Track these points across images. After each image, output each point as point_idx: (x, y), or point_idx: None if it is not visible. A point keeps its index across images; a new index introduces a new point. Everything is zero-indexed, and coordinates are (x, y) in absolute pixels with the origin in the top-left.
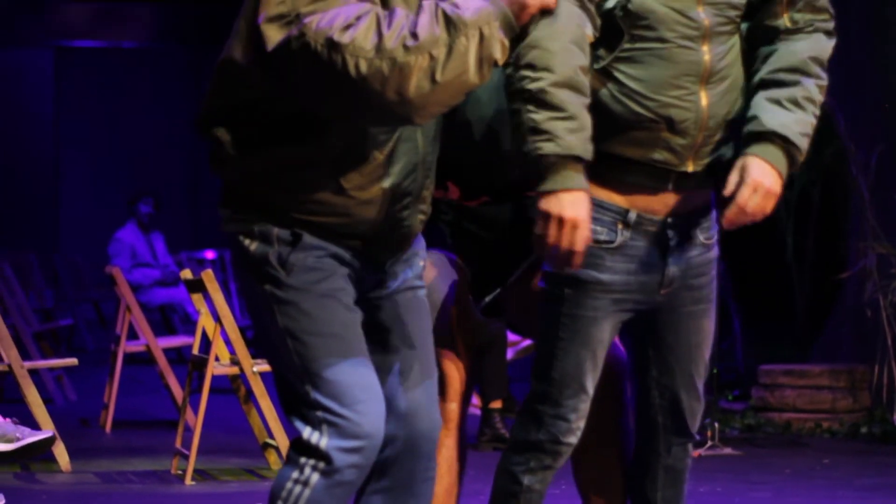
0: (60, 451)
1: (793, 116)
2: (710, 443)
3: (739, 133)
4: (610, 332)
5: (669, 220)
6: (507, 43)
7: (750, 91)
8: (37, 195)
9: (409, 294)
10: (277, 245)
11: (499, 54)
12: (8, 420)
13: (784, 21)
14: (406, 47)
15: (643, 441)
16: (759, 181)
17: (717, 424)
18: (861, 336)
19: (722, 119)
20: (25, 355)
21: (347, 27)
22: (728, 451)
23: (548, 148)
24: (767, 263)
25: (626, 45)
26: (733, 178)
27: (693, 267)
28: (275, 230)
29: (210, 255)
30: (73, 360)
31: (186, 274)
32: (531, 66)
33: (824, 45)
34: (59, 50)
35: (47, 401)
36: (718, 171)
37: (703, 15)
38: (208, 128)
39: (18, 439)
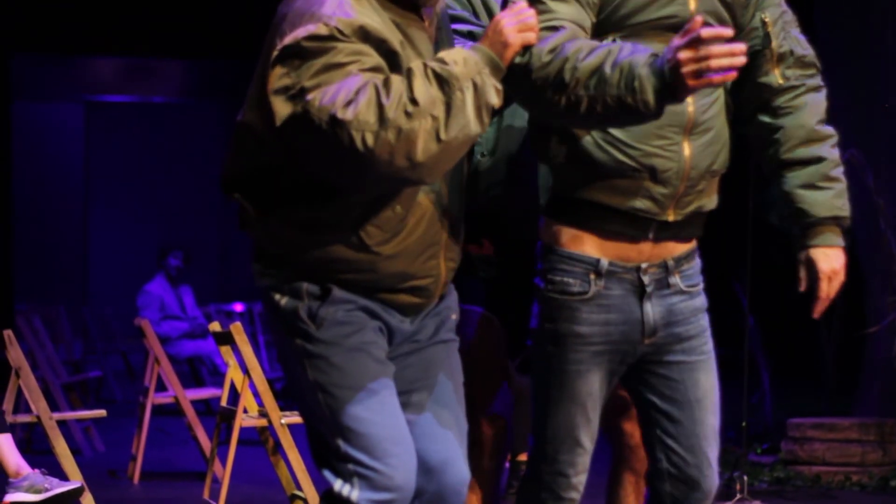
0: (88, 503)
1: (831, 192)
2: (738, 496)
3: (718, 186)
4: (599, 385)
5: (644, 265)
6: (500, 87)
7: (772, 172)
8: (66, 248)
9: (441, 347)
10: (307, 299)
11: (495, 99)
12: (37, 471)
13: (776, 77)
14: (408, 114)
15: None
16: (831, 269)
17: (745, 477)
18: (890, 389)
19: (704, 170)
20: (54, 406)
21: (349, 103)
22: (757, 503)
23: (638, 69)
24: (796, 317)
25: None
26: (803, 275)
27: (676, 314)
28: (304, 285)
29: (238, 307)
30: (101, 412)
31: (215, 326)
32: (560, 71)
33: (821, 103)
34: (89, 104)
35: (75, 452)
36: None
37: None
38: (230, 190)
39: (47, 490)
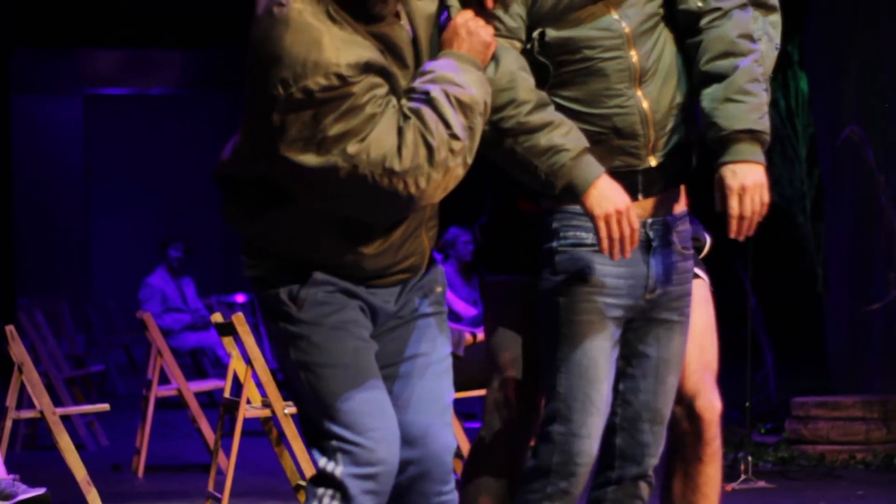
0: (93, 497)
1: (746, 106)
2: (743, 476)
3: (692, 114)
4: (610, 340)
5: (650, 221)
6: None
7: (694, 87)
8: (68, 242)
9: (425, 320)
10: (289, 283)
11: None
12: (10, 476)
13: (695, 2)
14: (452, 151)
15: (598, 467)
16: (740, 185)
17: (750, 458)
18: (893, 366)
19: (668, 108)
20: (57, 401)
21: (399, 149)
22: (762, 484)
23: (563, 157)
24: (798, 296)
25: (555, 73)
26: (718, 195)
27: (672, 273)
28: (287, 274)
29: (241, 298)
30: (104, 406)
31: (217, 318)
32: (503, 107)
33: (745, 20)
34: (89, 97)
35: (79, 447)
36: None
37: (623, 23)
38: (220, 184)
39: (12, 497)
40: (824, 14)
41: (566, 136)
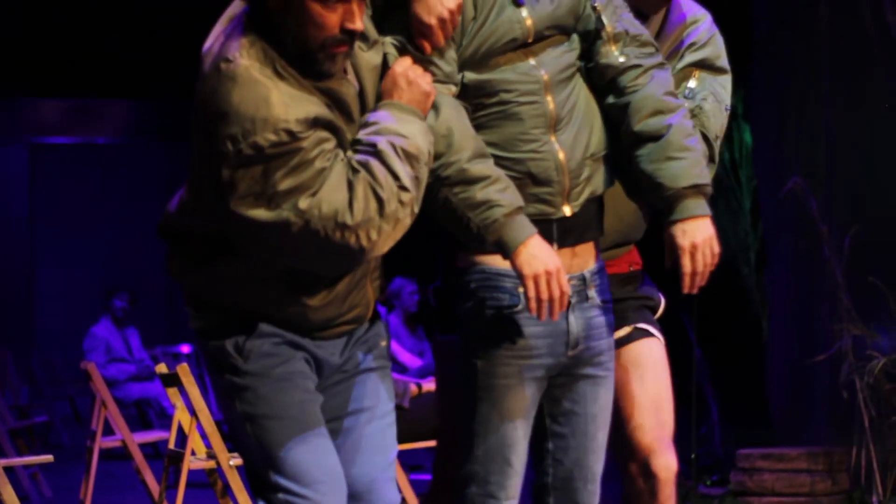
0: None
1: (687, 162)
2: None
3: (607, 166)
4: (529, 402)
5: (566, 277)
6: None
7: (628, 151)
8: (12, 292)
9: (370, 374)
10: (234, 336)
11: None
12: None
13: (615, 56)
14: (402, 202)
15: None
16: (691, 243)
17: None
18: (838, 418)
19: (581, 158)
20: (1, 453)
21: (350, 203)
22: None
23: (496, 213)
24: (743, 347)
25: (472, 116)
26: (668, 254)
27: (593, 328)
28: (232, 326)
29: (185, 349)
30: (48, 457)
31: (162, 368)
32: (441, 156)
33: (667, 79)
34: (34, 146)
35: (23, 498)
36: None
37: (542, 70)
38: (165, 237)
39: None
40: (767, 68)
41: (502, 193)
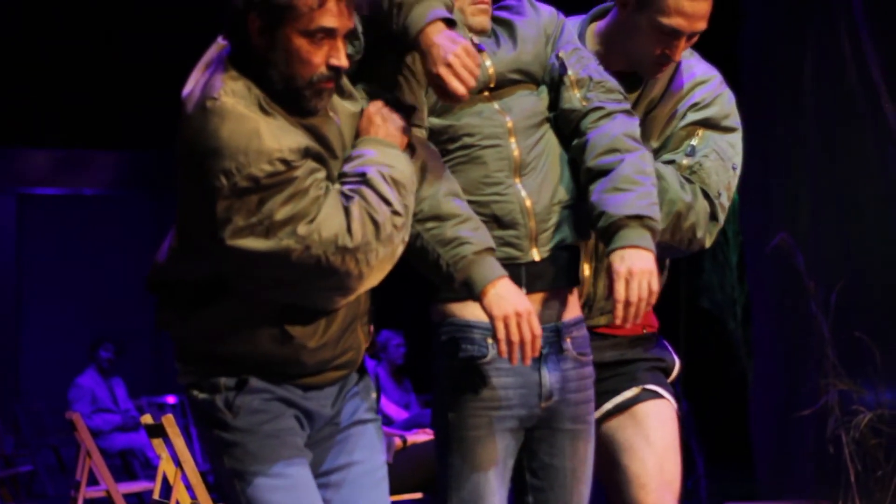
0: None
1: (633, 194)
2: None
3: (575, 215)
4: (503, 453)
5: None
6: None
7: (581, 186)
8: None
9: (359, 428)
10: (224, 391)
11: None
12: None
13: (578, 100)
14: (396, 227)
15: None
16: (627, 269)
17: None
18: (824, 473)
19: (549, 203)
20: None
21: (349, 227)
22: None
23: (466, 250)
24: (730, 401)
25: None
26: (606, 282)
27: (570, 381)
28: (223, 379)
29: (171, 399)
30: None
31: (147, 419)
32: (415, 191)
33: (630, 123)
34: (22, 197)
35: None
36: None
37: (506, 116)
38: (152, 288)
39: None
40: (753, 123)
41: (473, 232)
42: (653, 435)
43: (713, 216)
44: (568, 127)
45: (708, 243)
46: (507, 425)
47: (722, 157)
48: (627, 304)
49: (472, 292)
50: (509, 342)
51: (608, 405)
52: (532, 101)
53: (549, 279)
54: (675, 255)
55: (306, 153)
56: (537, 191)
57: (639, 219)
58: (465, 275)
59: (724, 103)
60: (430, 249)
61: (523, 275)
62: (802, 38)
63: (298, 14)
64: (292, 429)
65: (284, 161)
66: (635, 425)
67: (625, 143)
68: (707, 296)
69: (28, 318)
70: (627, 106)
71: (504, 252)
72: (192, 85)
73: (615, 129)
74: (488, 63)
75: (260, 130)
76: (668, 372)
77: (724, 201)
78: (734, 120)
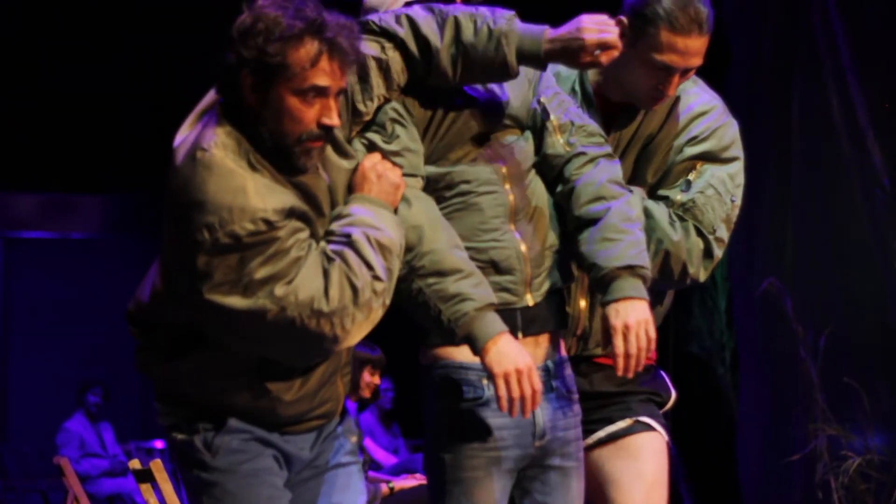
0: None
1: (622, 244)
2: None
3: (563, 259)
4: (499, 493)
5: None
6: None
7: (569, 233)
8: None
9: (340, 471)
10: (203, 431)
11: None
12: None
13: (561, 145)
14: (376, 292)
15: None
16: (623, 323)
17: None
18: None
19: (542, 248)
20: None
21: (326, 290)
22: None
23: (467, 306)
24: (718, 446)
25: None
26: (604, 335)
27: (559, 418)
28: (201, 422)
29: (159, 444)
30: None
31: (135, 464)
32: (414, 246)
33: (613, 168)
34: (8, 241)
35: None
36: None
37: (500, 162)
38: (135, 326)
39: None
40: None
41: (475, 287)
42: (642, 468)
43: (707, 253)
44: (551, 172)
45: (702, 278)
46: (503, 466)
47: (720, 192)
48: (627, 356)
49: (474, 348)
50: (510, 399)
51: (600, 433)
52: (522, 147)
53: (543, 323)
54: (669, 288)
55: (290, 213)
56: (531, 236)
57: (630, 269)
58: (466, 331)
59: (724, 135)
60: (431, 305)
61: (519, 319)
62: (789, 80)
63: (291, 73)
64: (271, 469)
65: (267, 221)
66: (626, 457)
67: (610, 190)
68: (696, 341)
69: (15, 362)
70: (609, 150)
71: (500, 297)
72: (185, 135)
73: (600, 175)
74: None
75: (246, 188)
76: (662, 405)
77: (722, 235)
78: (735, 150)
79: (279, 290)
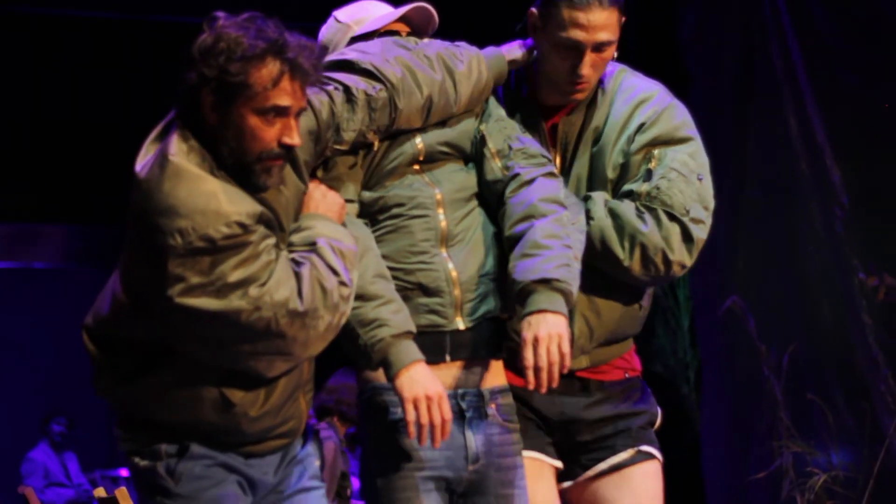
0: None
1: (539, 258)
2: None
3: (503, 288)
4: None
5: (461, 391)
6: None
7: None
8: None
9: (305, 495)
10: (166, 457)
11: None
12: None
13: (499, 170)
14: (343, 297)
15: None
16: (533, 336)
17: None
18: None
19: (475, 274)
20: None
21: (300, 291)
22: None
23: (383, 332)
24: (682, 465)
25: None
26: (518, 348)
27: (495, 445)
28: (163, 446)
29: (124, 472)
30: None
31: (100, 492)
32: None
33: (549, 186)
34: None
35: None
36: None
37: (436, 189)
38: (93, 342)
39: None
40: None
41: (394, 314)
42: (642, 497)
43: (686, 236)
44: (493, 199)
45: (689, 262)
46: (433, 486)
47: (682, 173)
48: (537, 369)
49: (388, 373)
50: (418, 424)
51: (602, 465)
52: (462, 176)
53: (474, 348)
54: (661, 283)
55: (260, 219)
56: (464, 262)
57: (545, 282)
58: (382, 356)
59: (671, 117)
60: (351, 327)
61: (448, 343)
62: (747, 101)
63: (253, 93)
64: (235, 495)
65: (242, 225)
66: (626, 487)
67: (539, 208)
68: (659, 360)
69: None
70: (550, 168)
71: (429, 319)
72: (145, 157)
73: (532, 195)
74: (418, 140)
75: (218, 192)
76: (652, 424)
77: (698, 214)
78: (687, 130)
79: (253, 291)
